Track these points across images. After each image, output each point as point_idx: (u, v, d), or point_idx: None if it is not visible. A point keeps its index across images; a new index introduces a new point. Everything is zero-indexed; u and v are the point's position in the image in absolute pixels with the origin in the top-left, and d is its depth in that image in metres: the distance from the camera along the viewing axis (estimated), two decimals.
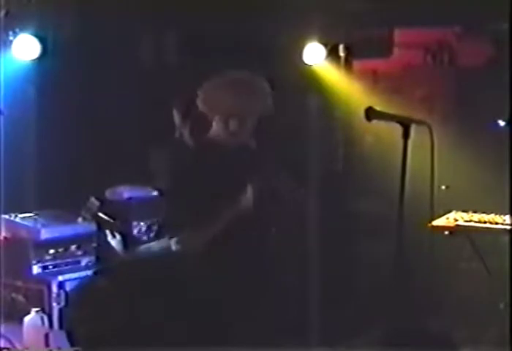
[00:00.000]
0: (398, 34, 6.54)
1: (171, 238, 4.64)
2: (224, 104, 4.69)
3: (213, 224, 4.45)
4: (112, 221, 5.68)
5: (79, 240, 5.93)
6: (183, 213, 4.55)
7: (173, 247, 4.58)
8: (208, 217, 4.42)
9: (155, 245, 5.33)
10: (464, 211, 5.11)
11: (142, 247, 5.43)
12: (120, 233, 5.47)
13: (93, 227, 5.95)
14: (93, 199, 5.92)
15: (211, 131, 4.70)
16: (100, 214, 5.62)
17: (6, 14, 5.60)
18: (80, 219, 5.77)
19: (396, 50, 6.58)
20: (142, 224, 5.58)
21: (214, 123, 4.69)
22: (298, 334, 4.80)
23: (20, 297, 5.78)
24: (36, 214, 6.00)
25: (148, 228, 5.61)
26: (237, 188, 4.42)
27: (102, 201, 5.75)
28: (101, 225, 5.66)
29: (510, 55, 5.50)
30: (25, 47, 5.91)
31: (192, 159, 4.66)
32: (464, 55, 6.39)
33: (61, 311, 5.70)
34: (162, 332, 4.72)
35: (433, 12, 5.74)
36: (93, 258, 5.90)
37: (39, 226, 5.85)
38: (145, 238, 5.53)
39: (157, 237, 5.55)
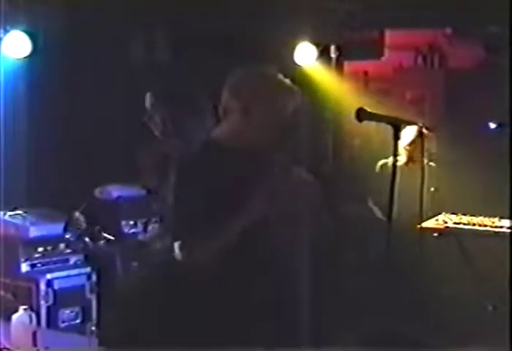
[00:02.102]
0: (389, 36, 6.66)
1: (174, 241, 4.22)
2: (266, 97, 4.33)
3: (223, 233, 4.08)
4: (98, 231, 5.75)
5: (67, 238, 5.76)
6: (185, 218, 4.12)
7: (176, 251, 4.17)
8: (217, 225, 4.08)
9: (155, 246, 5.15)
10: (453, 213, 5.24)
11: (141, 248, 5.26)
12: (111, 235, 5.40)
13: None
14: (77, 213, 5.74)
15: (217, 129, 4.40)
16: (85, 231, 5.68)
17: None
18: (67, 235, 5.82)
19: (387, 52, 6.69)
20: (131, 222, 5.57)
21: (230, 121, 4.35)
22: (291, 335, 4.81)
23: (9, 295, 5.79)
24: (25, 212, 5.98)
25: (141, 227, 5.47)
26: (245, 192, 4.22)
27: (87, 214, 5.79)
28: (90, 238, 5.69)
29: (511, 59, 5.56)
30: (16, 45, 5.90)
31: (194, 159, 4.44)
32: (454, 57, 6.50)
33: (49, 309, 5.75)
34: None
35: (424, 14, 5.75)
36: (82, 257, 5.93)
37: (27, 224, 5.86)
38: (140, 237, 5.37)
39: (157, 237, 5.57)
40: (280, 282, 4.32)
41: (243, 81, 4.06)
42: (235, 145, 4.00)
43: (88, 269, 5.91)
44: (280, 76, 4.19)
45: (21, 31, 5.93)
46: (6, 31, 5.89)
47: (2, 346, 5.14)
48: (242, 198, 3.96)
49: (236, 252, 4.00)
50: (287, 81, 4.23)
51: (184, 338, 4.47)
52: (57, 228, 5.83)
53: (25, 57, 6.09)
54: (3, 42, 5.98)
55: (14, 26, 5.87)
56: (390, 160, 5.25)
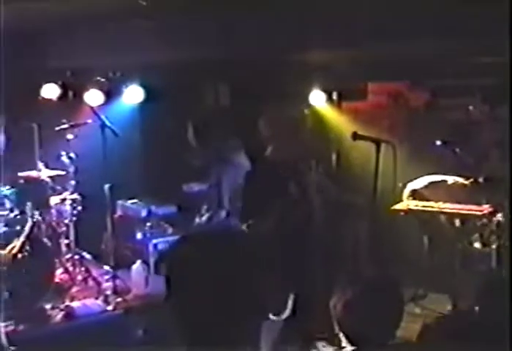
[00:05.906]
0: (371, 86, 7.00)
1: (243, 223, 4.77)
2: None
3: (271, 213, 4.64)
4: None
5: (165, 217, 6.97)
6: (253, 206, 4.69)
7: (244, 229, 4.68)
8: (268, 209, 4.64)
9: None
10: (414, 200, 5.84)
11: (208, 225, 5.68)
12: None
13: (174, 208, 6.96)
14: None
15: (268, 150, 4.93)
16: None
17: (122, 74, 6.44)
18: None
19: (370, 96, 7.01)
20: (205, 207, 6.16)
21: (275, 144, 4.90)
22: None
23: (129, 253, 6.76)
24: (139, 200, 7.05)
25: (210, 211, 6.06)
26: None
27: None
28: None
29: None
30: (133, 95, 6.67)
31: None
32: (412, 99, 6.78)
33: (155, 262, 6.54)
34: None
35: (394, 70, 6.27)
36: (174, 229, 6.89)
37: (140, 208, 6.93)
38: (211, 218, 5.87)
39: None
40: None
41: (278, 120, 5.02)
42: (278, 157, 4.96)
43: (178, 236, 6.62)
44: (300, 112, 5.20)
45: (137, 84, 6.62)
46: (126, 86, 6.63)
47: None
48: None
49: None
50: (304, 112, 5.22)
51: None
52: (159, 211, 6.87)
53: (138, 103, 6.76)
54: (124, 93, 6.65)
55: (132, 82, 6.57)
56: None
